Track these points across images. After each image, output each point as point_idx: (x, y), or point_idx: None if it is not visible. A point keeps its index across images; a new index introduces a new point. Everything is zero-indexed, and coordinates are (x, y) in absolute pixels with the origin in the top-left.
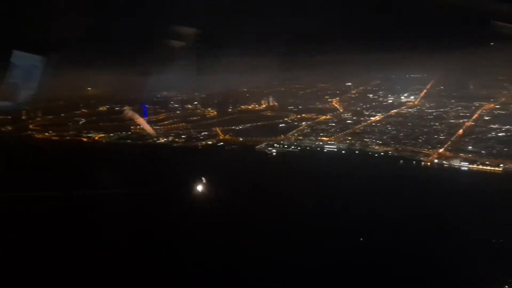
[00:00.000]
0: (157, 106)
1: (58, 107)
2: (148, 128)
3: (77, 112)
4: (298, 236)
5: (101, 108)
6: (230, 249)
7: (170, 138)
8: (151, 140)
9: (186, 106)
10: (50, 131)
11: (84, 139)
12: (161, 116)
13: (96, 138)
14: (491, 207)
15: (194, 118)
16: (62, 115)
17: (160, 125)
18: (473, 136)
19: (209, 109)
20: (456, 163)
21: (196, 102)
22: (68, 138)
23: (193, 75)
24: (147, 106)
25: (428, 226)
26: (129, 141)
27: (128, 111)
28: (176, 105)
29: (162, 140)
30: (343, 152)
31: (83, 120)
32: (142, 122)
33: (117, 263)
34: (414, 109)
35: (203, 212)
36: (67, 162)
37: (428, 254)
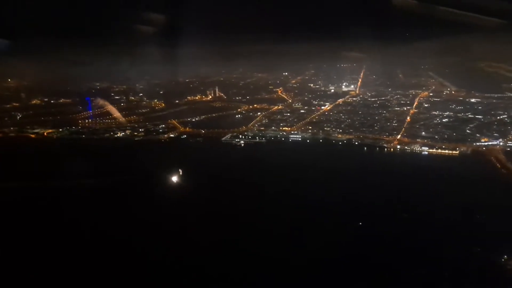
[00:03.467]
0: (99, 98)
1: None
2: (118, 116)
3: (8, 105)
4: (280, 228)
5: (35, 101)
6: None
7: (128, 132)
8: (108, 135)
9: (130, 98)
10: None
11: (32, 135)
12: (106, 109)
13: (45, 134)
14: (457, 187)
15: (143, 110)
16: None
17: (109, 118)
18: (422, 123)
19: (156, 100)
20: (416, 148)
21: (141, 94)
22: (12, 135)
23: (125, 65)
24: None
25: (406, 209)
26: (83, 136)
27: (99, 99)
28: (117, 97)
29: (120, 134)
30: (308, 141)
31: (20, 115)
32: (113, 110)
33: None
34: (358, 98)
35: (186, 205)
36: (25, 160)
37: (411, 235)
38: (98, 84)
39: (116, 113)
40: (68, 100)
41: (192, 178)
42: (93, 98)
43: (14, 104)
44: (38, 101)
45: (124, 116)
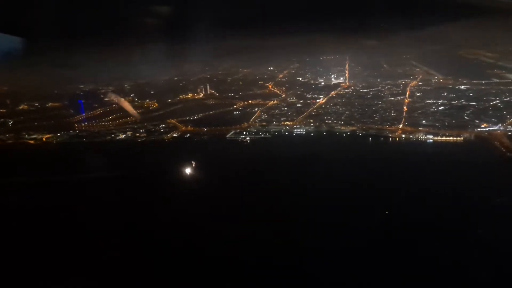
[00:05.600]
0: (89, 101)
1: None
2: (133, 112)
3: None
4: (301, 219)
5: (22, 107)
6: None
7: (129, 134)
8: (109, 137)
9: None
10: None
11: (31, 142)
12: (98, 111)
13: (44, 139)
14: (471, 173)
15: (138, 111)
16: None
17: (105, 121)
18: (419, 111)
19: (148, 100)
20: (421, 136)
21: (132, 94)
22: (10, 141)
23: (108, 66)
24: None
25: (422, 197)
26: (84, 139)
27: (111, 94)
28: (107, 99)
29: (122, 136)
30: (312, 134)
31: (11, 121)
32: (126, 105)
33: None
34: (350, 90)
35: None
36: (41, 166)
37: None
38: (82, 86)
39: (130, 109)
40: (56, 104)
41: (222, 176)
42: (104, 95)
43: (1, 110)
44: (26, 106)
45: (119, 117)
